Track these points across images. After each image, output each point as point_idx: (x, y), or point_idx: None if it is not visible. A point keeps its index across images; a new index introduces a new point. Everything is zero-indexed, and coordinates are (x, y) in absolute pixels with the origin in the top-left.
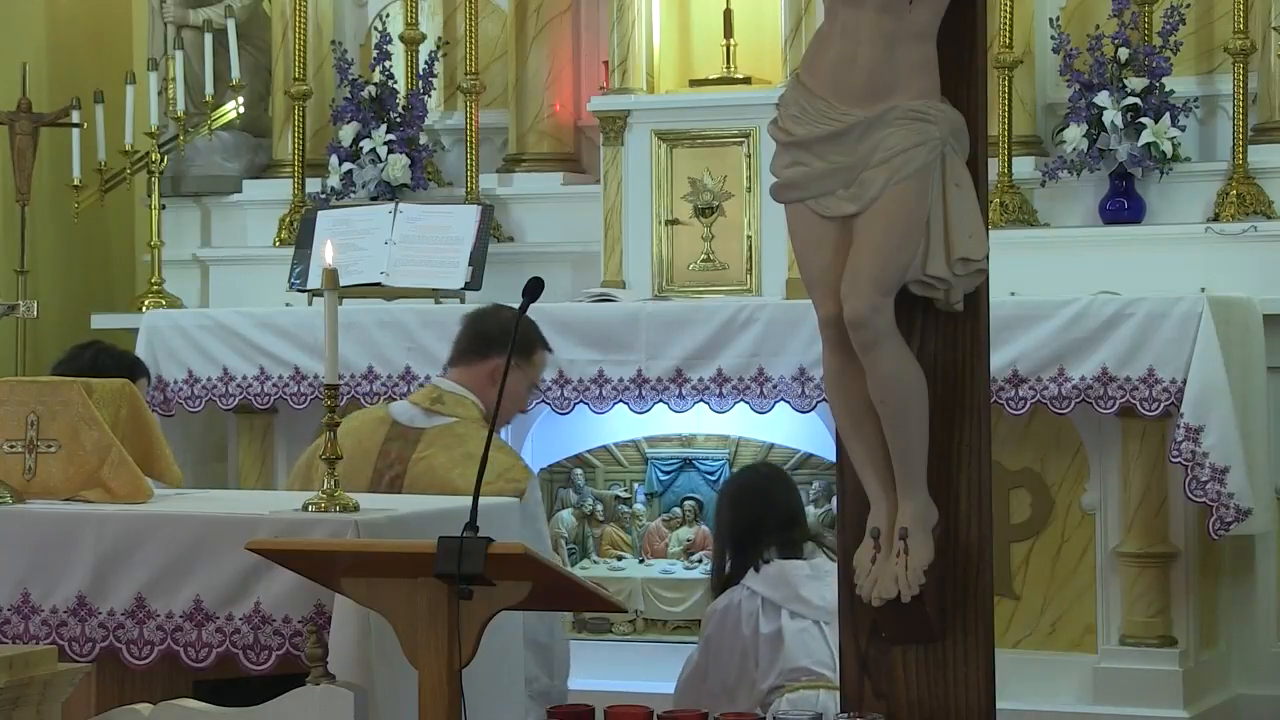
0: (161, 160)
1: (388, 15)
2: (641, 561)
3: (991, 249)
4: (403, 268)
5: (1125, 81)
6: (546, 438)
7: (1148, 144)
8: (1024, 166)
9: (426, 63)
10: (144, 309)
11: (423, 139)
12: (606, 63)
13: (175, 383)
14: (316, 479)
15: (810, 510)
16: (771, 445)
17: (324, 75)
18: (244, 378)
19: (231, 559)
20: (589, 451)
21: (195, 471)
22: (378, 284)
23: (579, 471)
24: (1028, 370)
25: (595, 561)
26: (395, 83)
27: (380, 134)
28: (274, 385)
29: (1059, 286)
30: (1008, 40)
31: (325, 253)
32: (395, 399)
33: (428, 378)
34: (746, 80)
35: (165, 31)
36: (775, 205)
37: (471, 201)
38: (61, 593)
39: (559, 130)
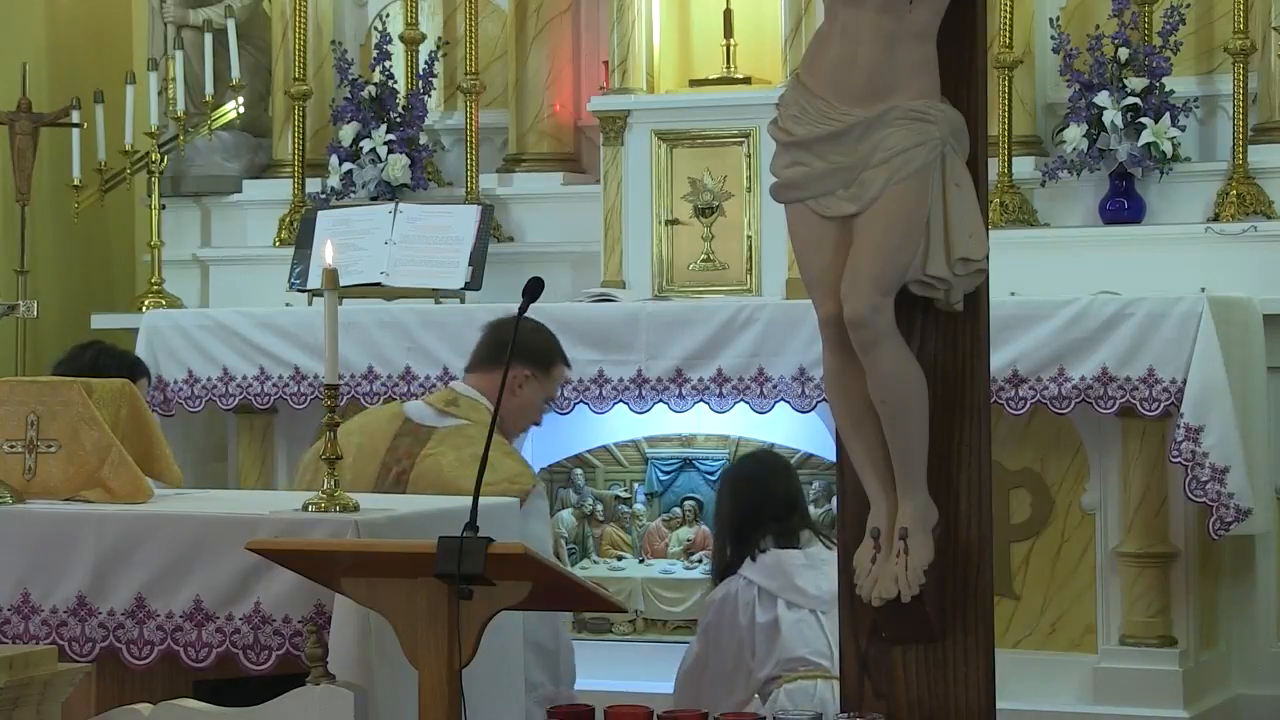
0: (161, 160)
1: (388, 15)
2: (641, 561)
3: (991, 249)
4: (403, 268)
5: (1125, 81)
6: (546, 438)
7: (1148, 144)
8: (1024, 166)
9: (426, 63)
10: (144, 309)
11: (423, 139)
12: (606, 63)
13: (175, 383)
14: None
15: (810, 510)
16: (771, 445)
17: (324, 75)
18: (244, 378)
19: (231, 559)
20: (589, 451)
21: (195, 471)
22: (378, 284)
23: (579, 471)
24: (1028, 370)
25: (595, 561)
26: (395, 83)
27: (380, 134)
28: (274, 385)
29: (1059, 286)
30: (1008, 40)
31: (325, 253)
32: (396, 398)
33: (428, 377)
34: (746, 80)
35: (165, 31)
36: (775, 205)
37: (471, 201)
38: (61, 593)
39: (559, 130)
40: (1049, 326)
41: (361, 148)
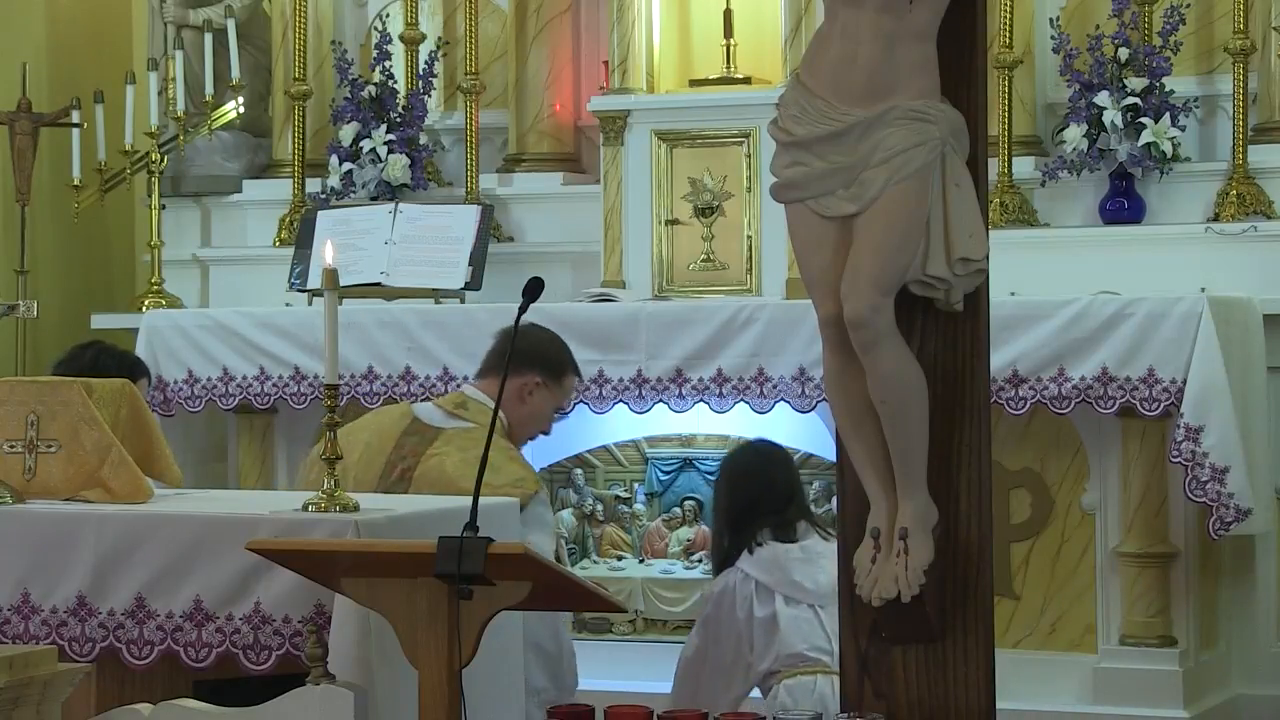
0: (161, 160)
1: (388, 15)
2: (641, 561)
3: (991, 249)
4: (403, 268)
5: (1125, 81)
6: (546, 438)
7: (1148, 144)
8: (1024, 166)
9: (426, 63)
10: (144, 309)
11: (423, 139)
12: (606, 63)
13: (175, 383)
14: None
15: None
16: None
17: (324, 75)
18: (244, 378)
19: (231, 559)
20: (589, 451)
21: (195, 471)
22: (378, 284)
23: (579, 471)
24: (1028, 370)
25: (595, 561)
26: (395, 83)
27: (380, 134)
28: (274, 385)
29: (1059, 286)
30: (1008, 40)
31: (325, 253)
32: (396, 398)
33: (428, 377)
34: (746, 80)
35: (165, 31)
36: (775, 205)
37: (471, 201)
38: (61, 593)
39: (559, 130)
40: (1049, 326)
41: (361, 148)
